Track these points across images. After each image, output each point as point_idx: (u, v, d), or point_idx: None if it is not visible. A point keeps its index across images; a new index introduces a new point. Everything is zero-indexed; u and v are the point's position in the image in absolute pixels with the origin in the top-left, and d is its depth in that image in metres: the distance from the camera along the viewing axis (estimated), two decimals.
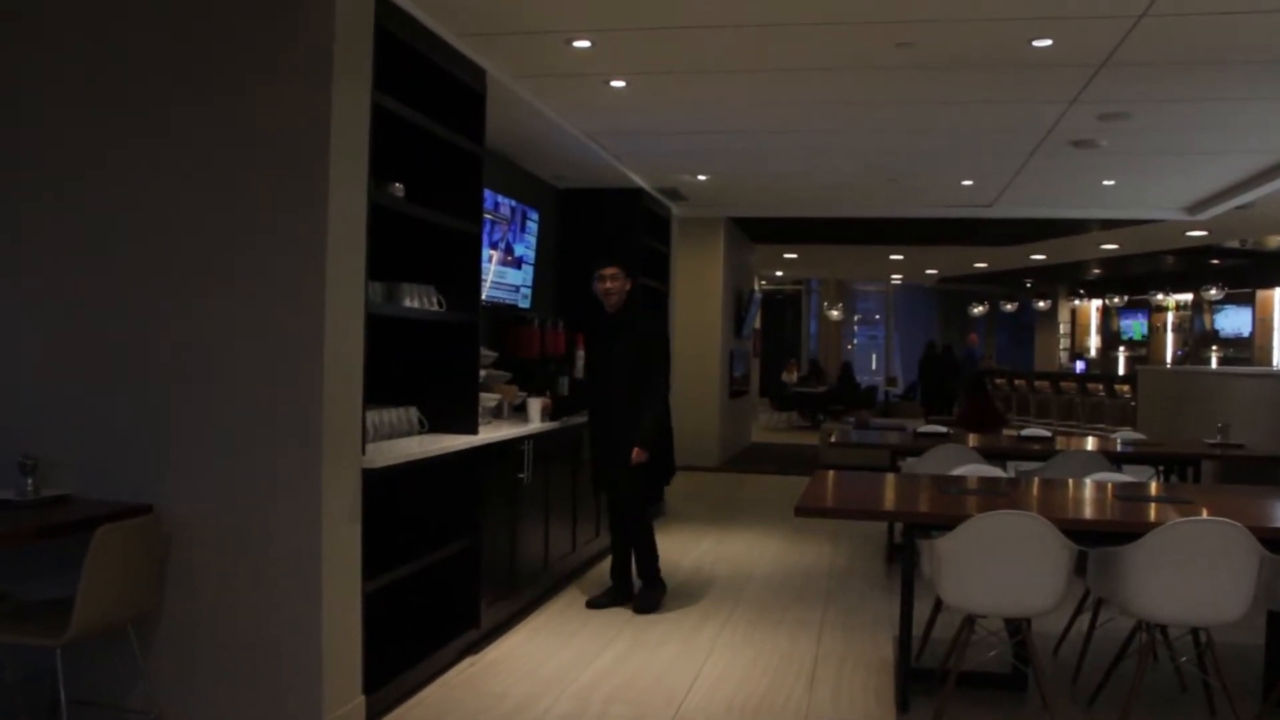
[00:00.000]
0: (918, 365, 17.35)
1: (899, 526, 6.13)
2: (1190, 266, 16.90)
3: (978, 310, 22.07)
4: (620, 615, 5.37)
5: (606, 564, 6.58)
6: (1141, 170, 7.71)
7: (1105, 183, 8.27)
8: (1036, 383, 17.78)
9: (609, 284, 5.39)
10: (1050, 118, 6.10)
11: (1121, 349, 21.14)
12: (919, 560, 4.07)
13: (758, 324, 16.25)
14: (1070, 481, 4.93)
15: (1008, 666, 4.30)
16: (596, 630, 5.10)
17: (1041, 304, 21.99)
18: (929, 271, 20.75)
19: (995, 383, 18.04)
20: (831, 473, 5.10)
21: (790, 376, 20.09)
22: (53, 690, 3.16)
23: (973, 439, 7.15)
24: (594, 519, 6.49)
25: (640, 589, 5.51)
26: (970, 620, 3.84)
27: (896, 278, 22.87)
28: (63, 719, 3.12)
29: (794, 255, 17.35)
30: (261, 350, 3.44)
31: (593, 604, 5.59)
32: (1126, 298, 20.29)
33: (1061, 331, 23.32)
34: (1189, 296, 18.93)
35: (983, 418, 8.72)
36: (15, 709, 3.50)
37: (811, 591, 6.02)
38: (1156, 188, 8.54)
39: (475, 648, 4.70)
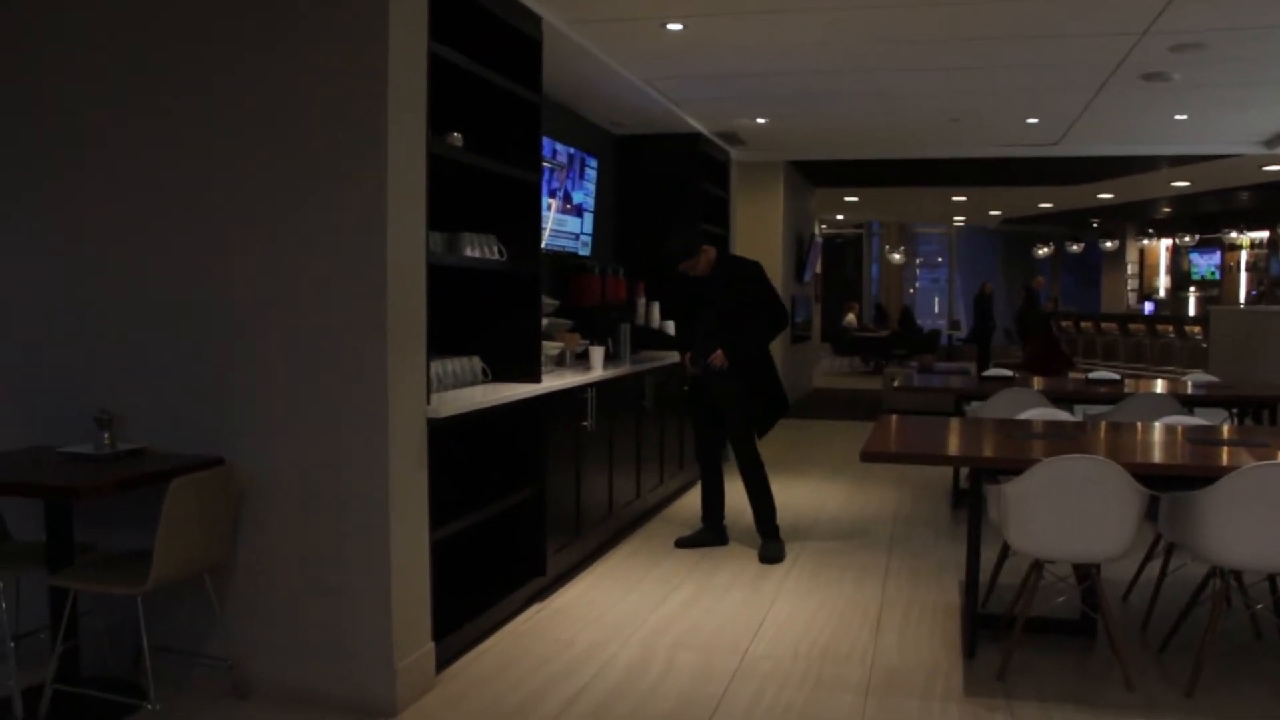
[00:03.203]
0: (974, 305, 17.06)
1: (964, 472, 6.06)
2: (1266, 203, 16.28)
3: (1042, 252, 21.57)
4: (684, 562, 5.39)
5: (673, 508, 6.65)
6: (1217, 103, 7.40)
7: (1177, 117, 7.96)
8: (1104, 325, 17.40)
9: (692, 270, 5.58)
10: (1120, 51, 5.86)
11: (1192, 289, 20.54)
12: (985, 505, 4.02)
13: (818, 268, 16.08)
14: (1140, 425, 4.81)
15: (1076, 613, 4.23)
16: (661, 577, 5.11)
17: (1109, 244, 21.40)
18: (992, 213, 20.33)
19: (1061, 325, 17.68)
20: (895, 418, 5.04)
21: (852, 321, 19.87)
22: (135, 636, 3.26)
23: (1039, 382, 7.04)
24: (658, 466, 6.50)
25: (764, 542, 5.56)
26: (1038, 566, 3.78)
27: (959, 219, 22.46)
28: (145, 664, 3.21)
29: (855, 198, 17.11)
30: (326, 303, 3.45)
31: (681, 543, 5.69)
32: (1198, 236, 19.67)
33: (1129, 272, 22.72)
34: (1264, 234, 18.29)
35: (1049, 360, 8.55)
36: (103, 653, 3.61)
37: (876, 537, 5.99)
38: (1232, 121, 8.20)
39: (541, 595, 4.74)
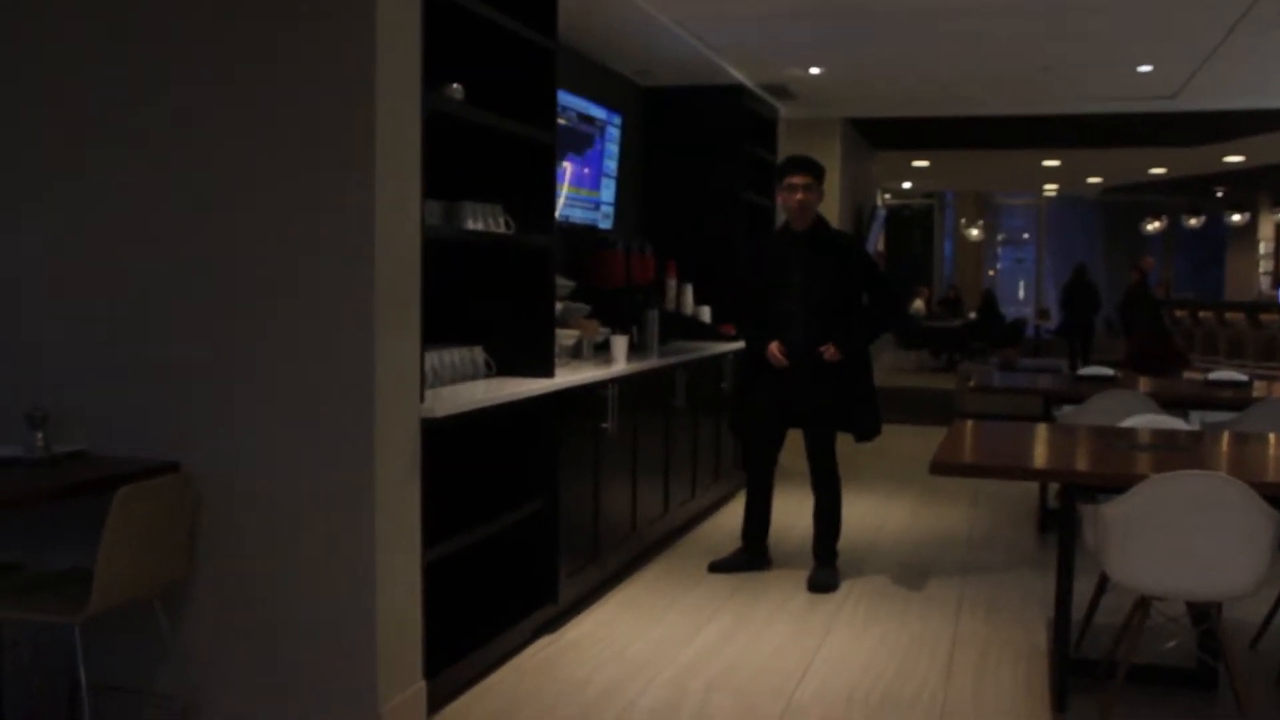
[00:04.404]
0: (1062, 293, 16.92)
1: (1054, 488, 6.01)
2: None
3: (1152, 226, 21.32)
4: (720, 589, 5.37)
5: (707, 527, 6.66)
6: None
7: None
8: (1228, 315, 17.19)
9: (801, 195, 5.43)
10: None
11: None
12: (1080, 529, 3.97)
13: (881, 246, 16.01)
14: (1272, 437, 4.74)
15: (1192, 660, 4.17)
16: (693, 606, 5.10)
17: (1236, 218, 21.08)
18: (1091, 180, 20.16)
19: (1174, 315, 17.49)
20: (971, 423, 5.02)
21: (920, 308, 19.77)
22: (71, 672, 3.25)
23: (1146, 383, 6.98)
24: (690, 476, 6.48)
25: (817, 567, 5.53)
26: (1145, 603, 3.71)
27: (1050, 188, 22.30)
28: (83, 704, 3.20)
29: (925, 163, 17.03)
30: (302, 283, 3.43)
31: (716, 567, 5.68)
32: None
33: (1262, 251, 22.42)
34: None
35: (1159, 357, 8.47)
36: (30, 693, 3.62)
37: (947, 564, 5.95)
38: None
39: (552, 626, 4.73)
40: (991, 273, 25.29)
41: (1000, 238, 25.75)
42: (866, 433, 5.62)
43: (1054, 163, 17.01)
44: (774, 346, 5.41)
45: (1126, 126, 11.74)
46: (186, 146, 3.51)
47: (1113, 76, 8.45)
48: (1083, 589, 4.24)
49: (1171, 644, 4.27)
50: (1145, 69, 8.11)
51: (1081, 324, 16.25)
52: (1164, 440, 4.39)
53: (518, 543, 4.62)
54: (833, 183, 11.45)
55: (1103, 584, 4.45)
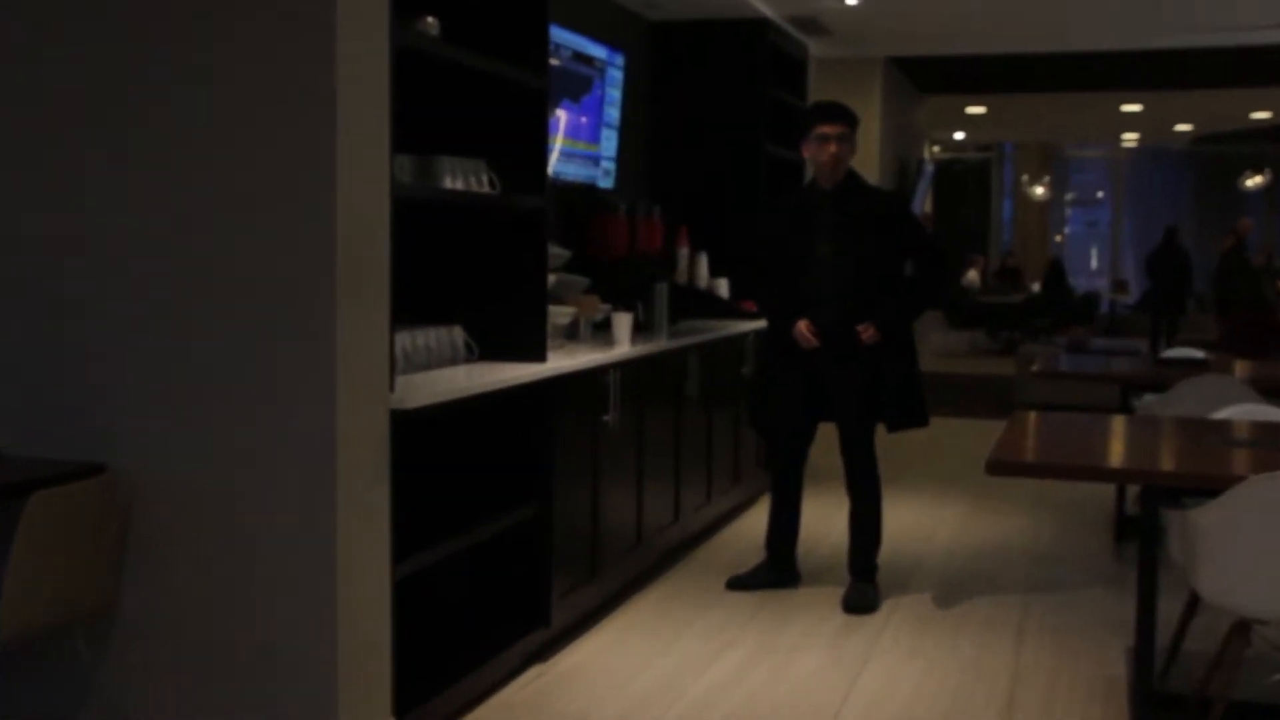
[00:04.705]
0: (1146, 262, 16.88)
1: (1133, 492, 6.01)
2: None
3: (1253, 182, 21.21)
4: (740, 610, 5.38)
5: (724, 537, 6.69)
6: None
7: None
8: None
9: (834, 146, 5.42)
10: None
11: None
12: (1164, 540, 3.97)
13: (928, 207, 16.04)
14: None
15: None
16: (708, 629, 5.11)
17: None
18: (1179, 128, 20.10)
19: (1275, 286, 17.44)
20: (1034, 415, 5.03)
21: (974, 280, 19.76)
22: None
23: (1243, 368, 6.98)
24: (705, 478, 6.48)
25: (853, 585, 5.51)
26: (1243, 628, 3.70)
27: (1130, 138, 22.26)
28: None
29: (981, 109, 17.04)
30: (250, 251, 3.42)
31: (735, 584, 5.67)
32: None
33: None
34: None
35: (1259, 337, 8.45)
36: None
37: (1006, 581, 5.95)
38: None
39: (544, 653, 4.74)
40: (1059, 238, 25.28)
41: (1069, 197, 25.75)
42: (907, 422, 5.58)
43: (1135, 108, 16.98)
44: (802, 325, 5.39)
45: (1224, 62, 11.69)
46: (104, 96, 3.50)
47: (1210, 2, 8.40)
48: (1168, 611, 4.24)
49: (1276, 677, 4.27)
50: None
51: (1170, 298, 16.19)
52: (1265, 435, 4.40)
53: (504, 556, 4.63)
54: (871, 133, 11.50)
55: (1192, 605, 4.44)
